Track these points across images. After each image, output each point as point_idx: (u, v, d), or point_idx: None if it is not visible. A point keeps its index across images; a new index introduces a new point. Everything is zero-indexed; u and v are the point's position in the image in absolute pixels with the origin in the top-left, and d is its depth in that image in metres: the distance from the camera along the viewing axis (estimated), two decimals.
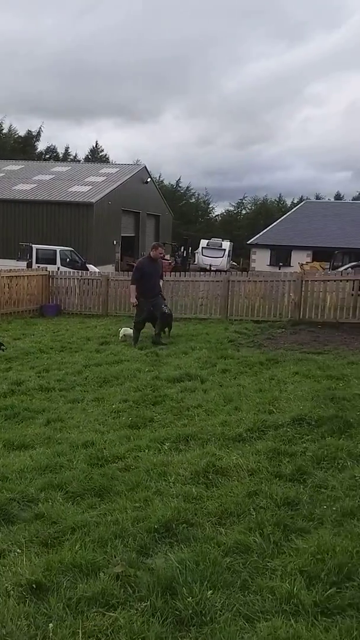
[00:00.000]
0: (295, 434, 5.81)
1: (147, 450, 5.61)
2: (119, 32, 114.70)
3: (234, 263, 51.24)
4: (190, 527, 4.02)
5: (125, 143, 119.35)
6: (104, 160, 69.27)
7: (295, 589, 3.24)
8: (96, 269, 26.28)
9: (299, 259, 40.44)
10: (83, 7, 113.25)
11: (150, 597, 3.21)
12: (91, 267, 27.95)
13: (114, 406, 7.36)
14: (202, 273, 22.32)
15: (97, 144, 76.20)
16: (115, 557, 3.62)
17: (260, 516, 4.10)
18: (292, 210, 52.31)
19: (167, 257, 44.50)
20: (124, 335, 12.94)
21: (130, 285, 12.91)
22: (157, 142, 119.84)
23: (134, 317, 12.93)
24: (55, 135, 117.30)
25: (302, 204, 53.92)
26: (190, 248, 46.37)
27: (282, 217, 49.54)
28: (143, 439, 5.97)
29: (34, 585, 3.30)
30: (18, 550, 3.73)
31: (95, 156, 72.21)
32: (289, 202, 75.91)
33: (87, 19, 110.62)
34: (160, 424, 6.59)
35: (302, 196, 72.03)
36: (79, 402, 7.68)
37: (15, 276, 18.34)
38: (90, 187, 39.09)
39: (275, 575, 3.44)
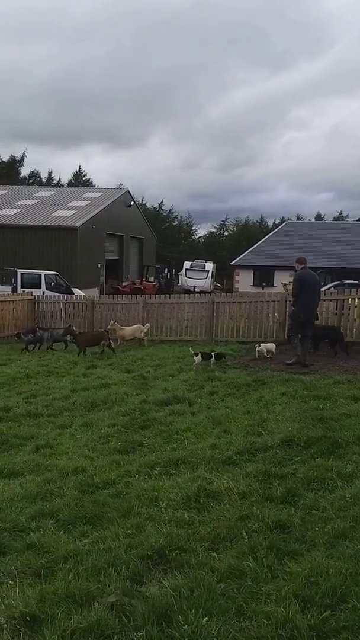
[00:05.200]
0: (284, 456, 5.83)
1: (137, 476, 5.60)
2: (108, 62, 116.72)
3: (217, 284, 51.57)
4: (183, 553, 4.02)
5: (112, 168, 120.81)
6: (88, 184, 69.63)
7: (290, 613, 3.24)
8: (81, 293, 26.28)
9: (281, 279, 40.65)
10: (74, 37, 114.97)
11: (146, 626, 3.19)
12: (76, 290, 27.96)
13: (102, 431, 7.34)
14: (186, 295, 22.43)
15: (80, 168, 76.53)
16: (109, 586, 3.60)
17: (253, 540, 4.11)
18: (274, 231, 52.86)
19: (152, 279, 44.72)
20: (266, 351, 13.01)
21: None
22: (143, 167, 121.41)
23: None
24: (41, 160, 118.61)
25: (283, 224, 54.54)
26: (173, 270, 46.63)
27: (265, 238, 50.01)
28: (133, 464, 5.96)
29: (27, 618, 3.27)
30: (10, 581, 3.69)
31: (79, 181, 72.56)
32: (270, 223, 76.86)
33: (77, 48, 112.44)
34: (149, 449, 6.58)
35: (283, 217, 72.95)
36: (67, 428, 7.66)
37: (1, 301, 18.28)
38: (74, 211, 39.25)
39: (270, 600, 3.43)
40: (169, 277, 45.04)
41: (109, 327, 16.17)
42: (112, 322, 16.53)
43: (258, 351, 13.03)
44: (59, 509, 4.81)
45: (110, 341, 15.03)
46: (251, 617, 3.29)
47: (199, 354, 11.81)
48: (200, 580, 3.61)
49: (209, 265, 47.77)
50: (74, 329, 16.32)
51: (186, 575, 3.72)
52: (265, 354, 12.95)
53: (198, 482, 5.16)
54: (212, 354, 12.04)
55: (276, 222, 72.62)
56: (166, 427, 7.38)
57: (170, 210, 77.94)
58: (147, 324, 16.69)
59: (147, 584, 3.67)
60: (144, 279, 43.47)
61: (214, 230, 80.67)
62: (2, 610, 3.36)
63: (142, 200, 70.90)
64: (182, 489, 5.11)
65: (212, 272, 47.68)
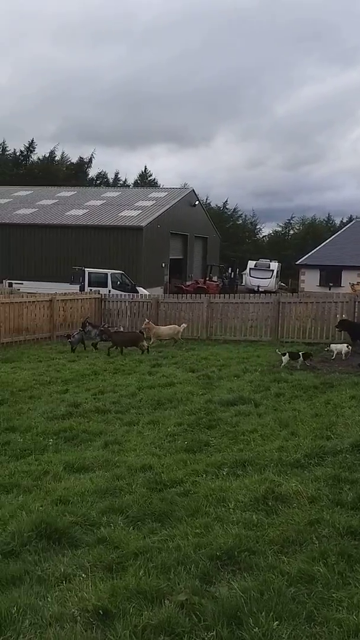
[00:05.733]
0: (355, 461, 5.70)
1: (204, 475, 5.62)
2: (176, 64, 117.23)
3: (282, 284, 50.89)
4: (252, 555, 4.00)
5: (177, 168, 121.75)
6: (153, 184, 70.37)
7: None
8: (145, 292, 26.60)
9: (349, 278, 39.75)
10: (143, 41, 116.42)
11: (216, 627, 3.20)
12: (141, 289, 28.31)
13: (169, 429, 7.40)
14: (250, 295, 22.30)
15: (146, 168, 77.54)
16: (178, 584, 3.63)
17: (323, 545, 4.04)
18: (342, 229, 51.63)
19: (215, 278, 44.68)
20: (344, 352, 13.04)
21: None
22: (208, 166, 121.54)
23: None
24: (108, 161, 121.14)
25: (352, 223, 53.12)
26: (237, 269, 46.36)
27: (332, 237, 48.91)
28: (200, 464, 5.98)
29: (100, 612, 3.34)
30: (83, 574, 3.79)
31: (144, 181, 73.43)
32: (338, 222, 75.15)
33: (146, 52, 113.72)
34: (216, 449, 6.58)
35: (351, 215, 71.10)
36: (134, 425, 7.77)
37: (70, 299, 18.81)
38: (140, 211, 39.74)
39: (341, 607, 3.37)
40: (232, 276, 44.82)
41: (142, 326, 16.28)
42: (146, 321, 16.68)
43: (337, 352, 12.98)
44: (128, 505, 4.89)
45: (145, 341, 15.08)
46: (322, 624, 3.25)
47: (287, 354, 11.95)
48: (270, 584, 3.58)
49: (274, 265, 47.19)
50: (110, 328, 16.41)
51: (255, 577, 3.70)
52: (343, 356, 12.77)
53: (266, 485, 5.12)
54: (300, 353, 12.16)
55: (344, 221, 70.92)
56: (232, 427, 7.37)
57: (234, 209, 77.67)
58: (184, 324, 17.02)
59: (216, 584, 3.68)
60: (207, 279, 43.49)
61: (279, 229, 79.68)
62: (76, 602, 3.45)
63: (206, 199, 70.99)
64: (249, 491, 5.09)
65: (277, 272, 47.09)
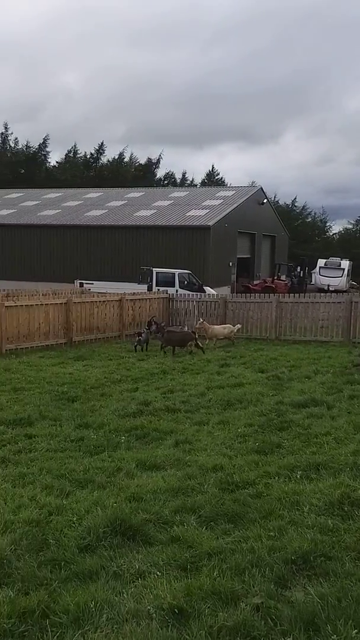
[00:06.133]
0: None
1: (277, 478, 5.55)
2: (244, 62, 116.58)
3: (353, 283, 49.58)
4: (328, 560, 3.91)
5: (246, 166, 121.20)
6: (220, 183, 70.24)
7: None
8: (213, 291, 26.58)
9: None
10: (211, 43, 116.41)
11: (293, 632, 3.15)
12: (208, 289, 28.31)
13: (239, 430, 7.36)
14: (321, 294, 21.89)
15: (213, 167, 77.58)
16: (253, 587, 3.60)
17: None
18: None
19: (283, 277, 44.10)
20: None
21: None
22: (277, 164, 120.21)
23: None
24: (176, 161, 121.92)
25: None
26: (307, 268, 45.52)
27: None
28: (272, 466, 5.91)
29: (175, 610, 3.35)
30: (157, 572, 3.82)
31: (211, 180, 73.44)
32: None
33: (215, 51, 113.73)
34: (288, 451, 6.48)
35: None
36: (204, 425, 7.76)
37: (138, 299, 19.07)
38: (207, 210, 39.73)
39: None
40: (302, 275, 44.04)
41: (197, 326, 16.19)
42: (201, 320, 16.64)
43: None
44: (200, 505, 4.89)
45: (198, 341, 14.97)
46: None
47: None
48: (348, 591, 3.50)
49: (345, 263, 46.00)
50: (167, 327, 16.36)
51: (332, 584, 3.62)
52: None
53: (341, 489, 5.00)
54: None
55: None
56: (304, 430, 7.24)
57: (303, 206, 76.35)
58: (238, 325, 17.09)
59: (291, 588, 3.62)
60: (275, 278, 42.96)
61: (350, 226, 77.61)
62: (151, 600, 3.48)
63: (274, 197, 70.12)
64: (324, 495, 4.99)
65: (348, 270, 45.88)
